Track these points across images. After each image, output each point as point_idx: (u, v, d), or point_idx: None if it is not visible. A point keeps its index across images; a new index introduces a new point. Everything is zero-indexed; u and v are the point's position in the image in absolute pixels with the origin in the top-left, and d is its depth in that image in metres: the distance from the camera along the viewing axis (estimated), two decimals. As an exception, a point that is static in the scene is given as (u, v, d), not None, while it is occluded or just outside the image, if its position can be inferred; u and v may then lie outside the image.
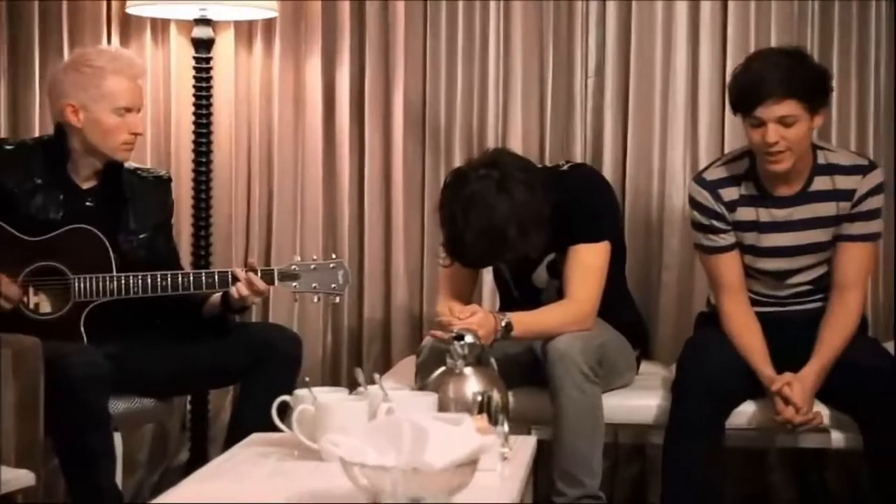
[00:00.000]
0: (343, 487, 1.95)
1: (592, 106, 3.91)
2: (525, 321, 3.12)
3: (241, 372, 3.20)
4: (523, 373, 3.23)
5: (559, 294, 3.22)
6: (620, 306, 3.36)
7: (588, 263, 3.16)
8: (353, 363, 4.01)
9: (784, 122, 3.01)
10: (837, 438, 3.18)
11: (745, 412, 3.14)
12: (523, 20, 3.90)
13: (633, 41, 3.87)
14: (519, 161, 3.16)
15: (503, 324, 3.07)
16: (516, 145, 3.86)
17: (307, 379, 2.35)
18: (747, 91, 3.04)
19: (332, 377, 3.99)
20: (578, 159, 3.86)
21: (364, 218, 4.02)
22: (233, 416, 3.34)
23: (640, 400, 3.28)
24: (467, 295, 3.31)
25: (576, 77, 3.90)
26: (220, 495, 2.12)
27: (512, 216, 3.01)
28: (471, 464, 1.89)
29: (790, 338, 3.12)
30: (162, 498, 2.13)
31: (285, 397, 2.37)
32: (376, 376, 2.37)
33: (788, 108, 3.00)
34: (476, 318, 2.99)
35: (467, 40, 3.94)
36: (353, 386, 2.52)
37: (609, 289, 3.21)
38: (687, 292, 3.84)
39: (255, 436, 2.54)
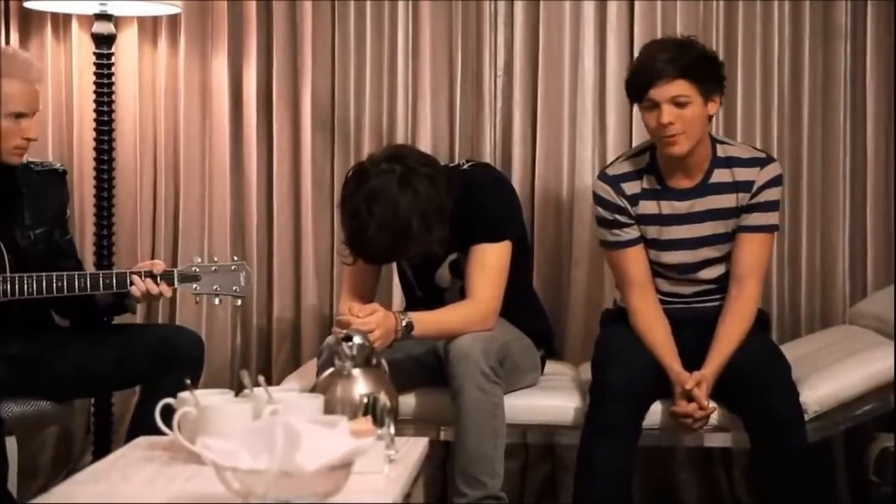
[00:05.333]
0: (221, 491, 1.92)
1: (501, 104, 3.91)
2: (426, 321, 3.09)
3: (142, 374, 3.14)
4: (428, 373, 3.22)
5: (462, 294, 3.20)
6: (524, 306, 3.35)
7: (489, 263, 3.14)
8: (262, 364, 3.97)
9: (677, 101, 3.05)
10: (740, 438, 3.18)
11: (654, 411, 3.15)
12: (432, 19, 3.88)
13: (542, 40, 3.87)
14: (420, 155, 3.15)
15: (404, 323, 3.04)
16: (426, 144, 3.85)
17: (188, 381, 2.31)
18: (640, 74, 3.10)
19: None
20: (488, 157, 3.86)
21: (273, 217, 3.97)
22: (133, 418, 3.28)
23: (549, 400, 3.27)
24: (369, 293, 3.28)
25: (484, 76, 3.89)
26: (99, 497, 2.08)
27: (415, 209, 2.99)
28: (344, 467, 1.86)
29: (693, 336, 3.14)
30: (40, 499, 2.08)
31: (169, 400, 2.33)
32: (261, 378, 2.33)
33: (680, 87, 3.05)
34: (375, 318, 2.97)
35: (376, 39, 3.91)
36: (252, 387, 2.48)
37: (512, 289, 3.20)
38: (597, 290, 3.85)
39: (141, 439, 2.49)
